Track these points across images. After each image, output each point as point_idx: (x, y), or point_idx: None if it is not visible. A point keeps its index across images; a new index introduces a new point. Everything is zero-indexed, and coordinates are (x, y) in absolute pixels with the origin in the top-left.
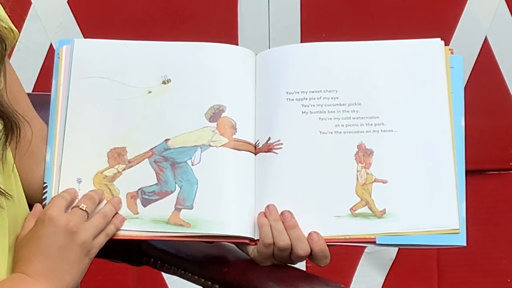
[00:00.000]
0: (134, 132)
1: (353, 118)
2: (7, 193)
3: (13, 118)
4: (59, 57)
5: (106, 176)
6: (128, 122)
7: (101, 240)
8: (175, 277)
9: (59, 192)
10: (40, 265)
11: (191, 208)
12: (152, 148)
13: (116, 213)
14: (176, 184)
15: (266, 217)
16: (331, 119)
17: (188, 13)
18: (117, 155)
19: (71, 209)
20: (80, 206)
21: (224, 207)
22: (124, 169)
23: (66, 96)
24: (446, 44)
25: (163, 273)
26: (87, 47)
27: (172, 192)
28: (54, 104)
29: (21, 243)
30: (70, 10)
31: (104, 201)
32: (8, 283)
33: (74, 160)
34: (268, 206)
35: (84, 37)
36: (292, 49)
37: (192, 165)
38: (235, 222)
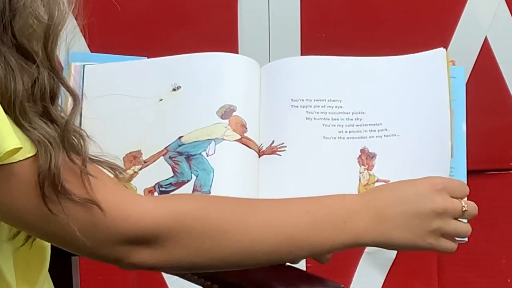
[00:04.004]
0: (147, 136)
1: (357, 125)
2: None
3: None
4: (67, 69)
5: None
6: (142, 129)
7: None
8: (175, 277)
9: None
10: (382, 207)
11: (209, 194)
12: (166, 147)
13: None
14: (192, 174)
15: None
16: (334, 125)
17: (188, 14)
18: (132, 158)
19: None
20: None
21: (240, 195)
22: (140, 169)
23: (79, 113)
24: (446, 44)
25: (163, 273)
26: (97, 72)
27: (188, 181)
28: None
29: (392, 185)
30: None
31: None
32: (331, 197)
33: None
34: None
35: (85, 37)
36: (297, 61)
37: (207, 156)
38: None
